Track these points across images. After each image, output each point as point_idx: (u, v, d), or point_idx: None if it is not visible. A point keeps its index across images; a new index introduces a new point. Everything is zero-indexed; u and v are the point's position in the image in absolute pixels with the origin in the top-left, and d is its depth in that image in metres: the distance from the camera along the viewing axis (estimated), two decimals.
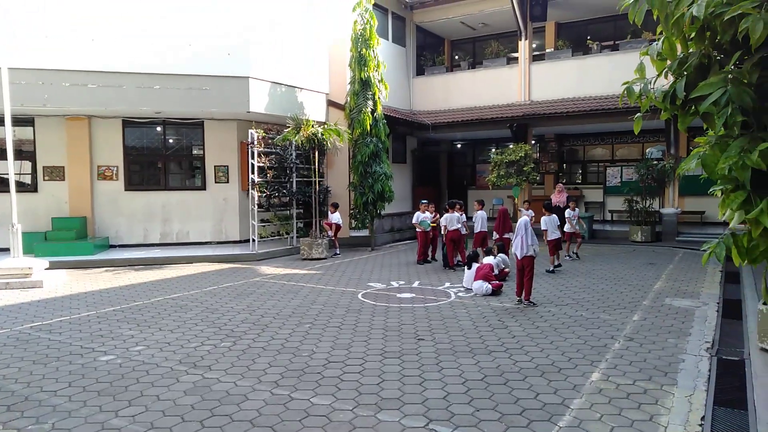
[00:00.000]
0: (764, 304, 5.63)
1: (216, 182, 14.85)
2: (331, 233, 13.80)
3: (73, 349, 6.15)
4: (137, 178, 14.64)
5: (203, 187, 14.83)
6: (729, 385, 4.85)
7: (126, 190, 14.29)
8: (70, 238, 13.11)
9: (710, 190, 2.65)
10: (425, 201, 12.68)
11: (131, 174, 14.49)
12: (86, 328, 7.01)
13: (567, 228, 12.05)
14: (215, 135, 14.73)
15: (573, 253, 12.53)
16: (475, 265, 9.25)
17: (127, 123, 14.18)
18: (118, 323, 7.26)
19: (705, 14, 2.12)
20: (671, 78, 2.51)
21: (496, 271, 9.44)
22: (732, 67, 2.21)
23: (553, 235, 10.76)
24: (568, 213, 12.32)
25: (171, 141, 14.85)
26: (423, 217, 12.23)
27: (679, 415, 4.24)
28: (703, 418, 4.19)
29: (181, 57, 12.64)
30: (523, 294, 8.04)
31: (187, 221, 14.71)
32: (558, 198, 14.73)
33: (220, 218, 14.91)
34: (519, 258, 8.01)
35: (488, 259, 9.63)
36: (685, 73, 2.38)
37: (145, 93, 12.53)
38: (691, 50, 2.41)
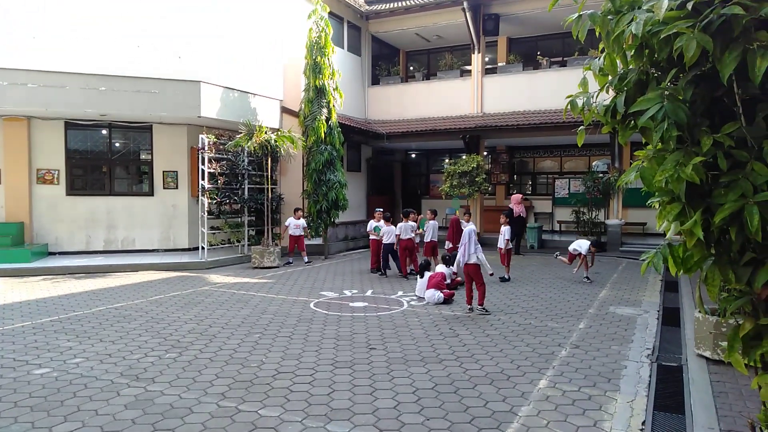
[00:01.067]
0: (700, 312, 5.89)
1: (164, 188, 14.43)
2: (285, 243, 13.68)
3: (4, 362, 5.81)
4: (80, 183, 14.05)
5: (151, 193, 14.38)
6: (668, 391, 5.04)
7: (68, 195, 13.69)
8: (6, 245, 12.43)
9: (648, 202, 2.75)
10: (380, 209, 12.72)
11: (74, 178, 13.89)
12: (20, 340, 6.64)
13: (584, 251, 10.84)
14: (164, 139, 14.33)
15: (586, 277, 11.10)
16: (427, 274, 9.31)
17: (70, 125, 13.61)
18: (55, 334, 6.91)
19: (643, 32, 2.21)
20: (612, 93, 2.60)
21: (448, 281, 9.53)
22: (668, 84, 2.32)
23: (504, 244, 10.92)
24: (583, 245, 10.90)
25: (117, 145, 14.34)
26: (377, 224, 12.26)
27: (621, 421, 4.37)
28: (643, 423, 4.33)
29: (129, 58, 12.25)
30: (477, 300, 8.14)
31: (133, 228, 14.21)
32: (519, 208, 15.02)
33: (169, 225, 14.48)
34: (463, 266, 8.15)
35: (440, 268, 9.72)
36: (625, 88, 2.48)
37: (89, 94, 12.07)
38: (630, 67, 2.52)
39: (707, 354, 5.74)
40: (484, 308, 8.11)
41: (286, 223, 13.66)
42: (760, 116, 2.24)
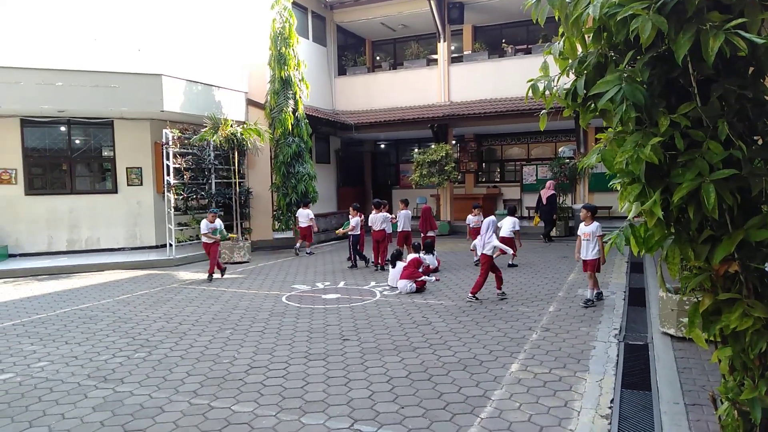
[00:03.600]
0: (662, 291, 6.05)
1: (129, 185, 14.09)
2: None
3: None
4: (39, 182, 13.61)
5: (115, 191, 14.02)
6: (635, 368, 5.17)
7: (27, 194, 13.25)
8: None
9: (610, 183, 2.79)
10: (214, 210, 11.34)
11: (32, 177, 13.45)
12: None
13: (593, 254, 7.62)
14: (127, 135, 13.96)
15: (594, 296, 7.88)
16: (399, 264, 9.32)
17: (27, 122, 13.14)
18: (17, 338, 6.69)
19: (600, 14, 2.24)
20: (573, 76, 2.63)
21: (421, 269, 9.53)
22: (626, 66, 2.35)
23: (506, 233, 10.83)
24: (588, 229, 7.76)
25: (77, 142, 13.91)
26: (212, 227, 10.79)
27: (591, 400, 4.47)
28: (612, 401, 4.43)
29: (86, 52, 11.88)
30: (495, 285, 8.29)
31: (97, 227, 13.85)
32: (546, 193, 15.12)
33: (134, 223, 14.16)
34: (480, 256, 8.33)
35: (414, 255, 9.70)
36: (585, 71, 2.50)
37: (45, 90, 11.66)
38: (590, 50, 2.54)
39: (671, 331, 5.91)
40: (474, 296, 8.13)
41: (371, 221, 11.63)
42: (714, 96, 2.29)
